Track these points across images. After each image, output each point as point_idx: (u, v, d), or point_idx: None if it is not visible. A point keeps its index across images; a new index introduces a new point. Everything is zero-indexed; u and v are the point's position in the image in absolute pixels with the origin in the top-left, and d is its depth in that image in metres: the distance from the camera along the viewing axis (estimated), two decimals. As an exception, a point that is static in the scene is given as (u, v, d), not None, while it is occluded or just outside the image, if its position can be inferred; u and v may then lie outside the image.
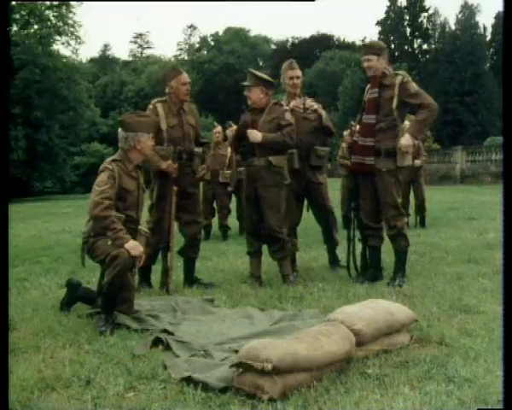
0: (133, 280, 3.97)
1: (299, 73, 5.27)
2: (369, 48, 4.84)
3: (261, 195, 4.83)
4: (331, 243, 5.59)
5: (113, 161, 3.91)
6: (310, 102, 5.20)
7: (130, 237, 3.69)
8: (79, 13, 58.47)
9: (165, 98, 4.86)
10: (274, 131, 4.77)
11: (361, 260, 5.04)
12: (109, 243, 3.66)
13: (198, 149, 4.94)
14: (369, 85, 4.95)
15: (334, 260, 5.58)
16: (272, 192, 4.82)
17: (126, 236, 3.66)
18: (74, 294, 4.10)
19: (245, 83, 4.89)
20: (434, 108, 4.68)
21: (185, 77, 4.84)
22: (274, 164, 4.79)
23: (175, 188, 4.75)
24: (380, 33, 45.30)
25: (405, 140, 4.61)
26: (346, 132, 5.02)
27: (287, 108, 4.95)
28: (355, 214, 5.04)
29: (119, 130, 3.99)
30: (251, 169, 4.88)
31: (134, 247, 3.64)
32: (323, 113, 5.25)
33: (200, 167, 4.93)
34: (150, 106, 4.87)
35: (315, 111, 5.20)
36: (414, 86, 4.69)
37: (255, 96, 4.82)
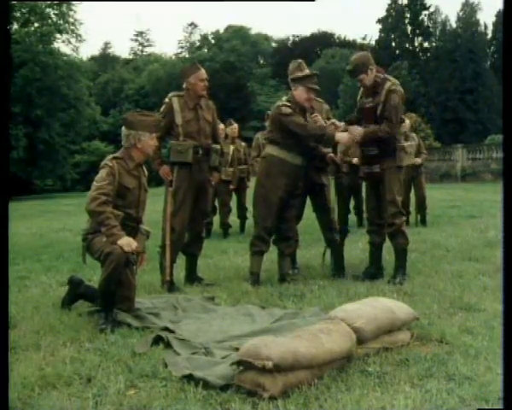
0: (134, 279, 3.97)
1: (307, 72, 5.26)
2: (353, 72, 4.77)
3: (300, 192, 4.98)
4: (334, 246, 5.56)
5: (114, 158, 3.92)
6: (316, 118, 5.13)
7: (125, 234, 3.67)
8: (80, 11, 58.31)
9: (182, 93, 4.89)
10: None
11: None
12: (104, 239, 3.67)
13: (215, 145, 4.96)
14: (360, 91, 4.99)
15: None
16: None
17: (120, 232, 3.65)
18: (76, 291, 4.11)
19: (314, 85, 4.83)
20: (392, 132, 4.69)
21: (203, 73, 4.88)
22: None
23: (170, 189, 4.78)
24: (380, 31, 45.28)
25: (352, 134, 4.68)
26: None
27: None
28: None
29: (123, 127, 4.00)
30: (304, 168, 4.89)
31: (127, 243, 3.62)
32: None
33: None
34: (166, 99, 4.92)
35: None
36: (396, 100, 4.67)
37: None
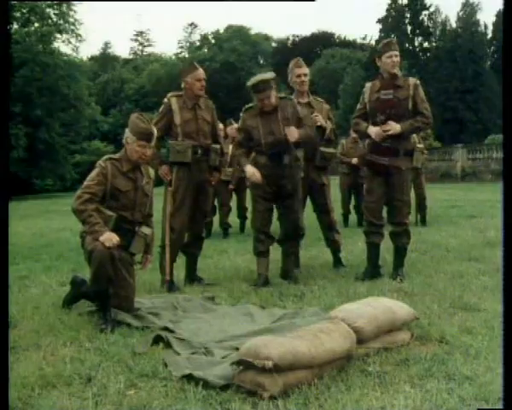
0: (132, 279, 3.96)
1: (306, 70, 5.26)
2: (396, 44, 4.85)
3: (291, 191, 4.79)
4: (334, 245, 5.59)
5: (110, 159, 3.92)
6: (316, 118, 5.12)
7: (107, 230, 3.65)
8: (80, 11, 58.15)
9: (181, 93, 4.90)
10: (296, 126, 4.73)
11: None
12: (90, 238, 3.67)
13: (215, 145, 4.96)
14: (370, 85, 4.92)
15: (337, 262, 5.58)
16: (299, 188, 4.87)
17: (102, 228, 3.64)
18: (78, 291, 4.09)
19: (262, 94, 4.61)
20: (431, 121, 4.83)
21: (201, 73, 4.86)
22: (299, 158, 4.84)
23: (169, 188, 4.79)
24: (380, 31, 45.23)
25: (394, 128, 4.67)
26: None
27: (293, 98, 4.95)
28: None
29: None
30: (279, 166, 4.72)
31: (108, 238, 3.59)
32: (329, 126, 5.26)
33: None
34: (165, 100, 4.93)
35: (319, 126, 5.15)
36: (423, 93, 4.80)
37: (274, 98, 4.68)
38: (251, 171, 4.69)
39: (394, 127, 4.66)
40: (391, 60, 4.71)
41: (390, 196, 4.87)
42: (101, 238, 3.59)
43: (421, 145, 8.18)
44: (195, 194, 4.88)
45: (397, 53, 4.75)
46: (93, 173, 3.83)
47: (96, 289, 3.68)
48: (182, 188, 4.79)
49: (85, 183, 3.79)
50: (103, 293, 3.67)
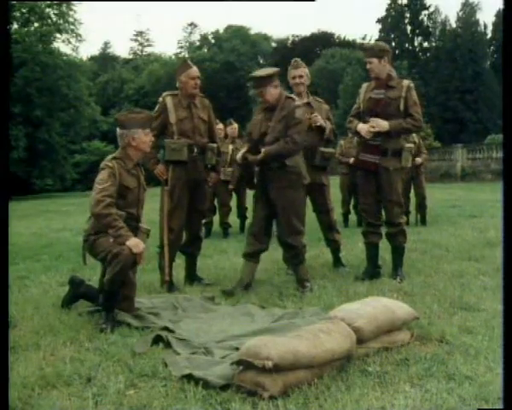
0: (134, 278, 3.97)
1: (300, 72, 5.25)
2: (370, 50, 4.85)
3: (275, 197, 4.52)
4: (333, 245, 5.59)
5: (114, 158, 3.92)
6: (315, 118, 5.11)
7: (132, 235, 3.70)
8: (80, 10, 58.09)
9: (177, 92, 4.89)
10: (284, 130, 4.44)
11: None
12: (111, 240, 3.67)
13: (211, 144, 4.94)
14: (366, 85, 4.99)
15: (337, 262, 5.58)
16: (287, 194, 4.48)
17: (128, 233, 3.67)
18: (77, 291, 4.11)
19: (254, 91, 4.73)
20: (421, 125, 4.89)
21: (194, 71, 4.84)
22: (288, 164, 4.46)
23: (166, 188, 4.78)
24: (380, 31, 45.25)
25: (382, 124, 4.69)
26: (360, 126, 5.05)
27: (298, 103, 4.65)
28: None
29: (117, 128, 4.00)
30: (264, 170, 4.56)
31: (136, 244, 3.63)
32: (328, 126, 5.24)
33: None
34: (160, 99, 4.93)
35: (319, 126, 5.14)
36: (415, 96, 4.81)
37: (269, 95, 4.49)
38: (238, 155, 4.68)
39: (381, 124, 4.68)
40: (367, 66, 4.80)
41: (381, 197, 4.89)
42: (129, 243, 3.60)
43: (410, 145, 8.19)
44: (192, 193, 4.86)
45: (370, 60, 4.75)
46: (104, 175, 3.79)
47: (108, 290, 3.69)
48: (178, 187, 4.78)
49: (100, 186, 3.73)
50: (114, 294, 3.68)
